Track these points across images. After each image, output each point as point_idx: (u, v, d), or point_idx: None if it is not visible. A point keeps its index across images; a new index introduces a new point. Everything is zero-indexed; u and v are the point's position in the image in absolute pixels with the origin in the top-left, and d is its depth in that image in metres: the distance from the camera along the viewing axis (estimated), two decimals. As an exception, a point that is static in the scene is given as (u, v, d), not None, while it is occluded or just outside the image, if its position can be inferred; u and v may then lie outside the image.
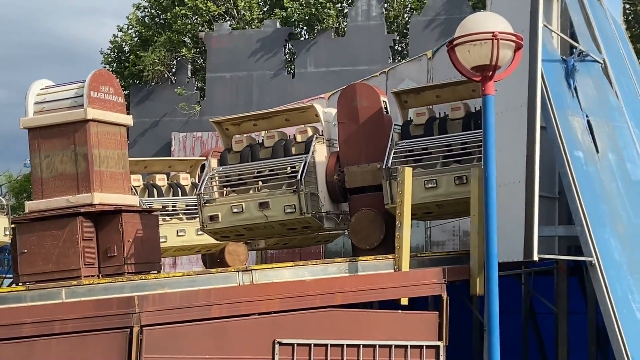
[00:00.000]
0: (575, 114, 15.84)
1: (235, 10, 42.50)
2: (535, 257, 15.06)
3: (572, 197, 15.30)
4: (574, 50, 16.31)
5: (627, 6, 31.87)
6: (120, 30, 47.34)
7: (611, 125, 16.13)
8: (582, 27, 16.39)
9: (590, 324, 16.25)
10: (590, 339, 16.40)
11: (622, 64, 17.10)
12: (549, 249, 15.49)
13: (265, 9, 43.17)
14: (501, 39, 10.23)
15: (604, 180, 15.67)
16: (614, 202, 15.59)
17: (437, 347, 14.12)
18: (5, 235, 17.29)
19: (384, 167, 16.57)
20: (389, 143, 16.84)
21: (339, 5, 41.28)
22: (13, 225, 17.34)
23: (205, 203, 18.14)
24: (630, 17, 34.48)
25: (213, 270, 17.81)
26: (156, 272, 17.09)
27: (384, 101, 17.71)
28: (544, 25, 15.86)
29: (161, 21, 44.76)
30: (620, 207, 15.62)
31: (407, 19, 40.38)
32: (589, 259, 14.97)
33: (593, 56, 16.35)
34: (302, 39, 39.96)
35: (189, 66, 42.10)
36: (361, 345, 13.68)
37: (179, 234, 21.36)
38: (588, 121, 15.92)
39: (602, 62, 16.36)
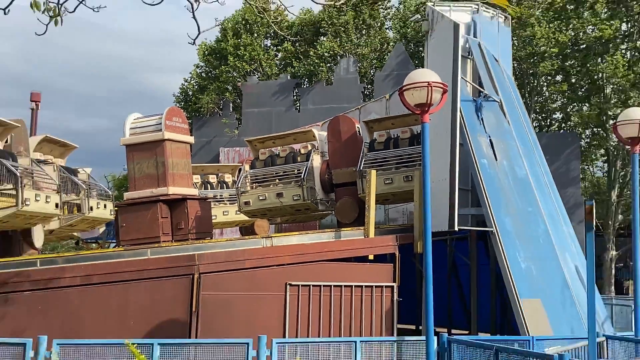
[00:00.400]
0: (481, 135, 15.86)
1: (261, 68, 42.56)
2: (456, 228, 15.08)
3: (480, 189, 15.33)
4: (481, 93, 16.33)
5: (515, 64, 31.68)
6: (186, 81, 47.55)
7: (505, 142, 16.16)
8: (486, 78, 16.40)
9: (491, 272, 16.27)
10: (492, 282, 16.43)
11: (512, 102, 17.11)
12: (464, 223, 15.50)
13: (280, 67, 43.14)
14: (433, 86, 10.26)
15: (500, 178, 15.69)
16: (507, 192, 15.61)
17: (392, 287, 14.20)
18: (111, 214, 17.29)
19: (357, 169, 16.66)
20: (361, 154, 16.94)
21: (328, 64, 41.26)
22: (116, 208, 17.40)
23: (241, 193, 18.20)
24: (516, 72, 34.30)
25: (246, 237, 17.90)
26: (209, 238, 17.18)
27: (357, 127, 17.82)
28: (462, 77, 15.91)
29: (212, 75, 44.70)
30: (510, 196, 15.64)
31: (372, 74, 40.36)
32: (491, 229, 15.01)
33: (493, 97, 16.35)
34: (304, 86, 39.90)
35: (231, 104, 42.13)
36: (343, 285, 13.75)
37: (224, 213, 21.50)
38: (490, 140, 15.93)
39: (499, 101, 16.36)
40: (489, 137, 15.98)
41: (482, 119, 16.11)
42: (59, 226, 16.16)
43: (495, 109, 16.40)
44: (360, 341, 10.85)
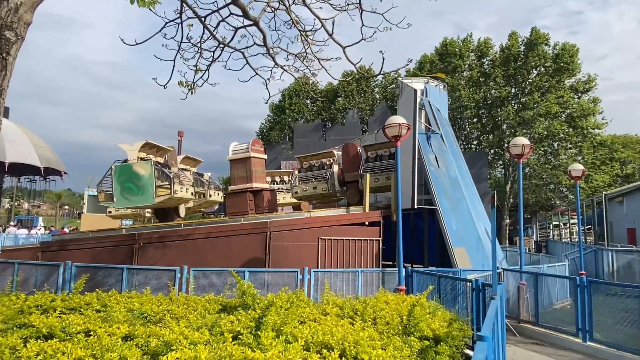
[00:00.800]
0: (430, 153, 15.80)
1: (304, 116, 42.80)
2: (416, 206, 15.07)
3: (429, 183, 15.29)
4: (430, 129, 16.27)
5: (450, 113, 31.57)
6: (262, 124, 48.00)
7: (443, 157, 16.08)
8: (432, 121, 16.32)
9: (436, 232, 16.17)
10: (436, 237, 16.35)
11: (448, 134, 16.98)
12: (420, 203, 15.47)
13: (314, 115, 43.30)
14: (402, 126, 10.30)
15: (440, 177, 15.63)
16: (444, 186, 15.55)
17: (379, 240, 14.15)
18: (221, 199, 17.55)
19: (359, 173, 16.69)
20: (361, 164, 16.96)
21: (342, 114, 41.30)
22: (224, 195, 17.63)
23: (293, 187, 18.32)
24: (450, 117, 34.19)
25: (296, 212, 18.01)
26: (275, 212, 17.29)
27: (359, 149, 17.82)
28: (418, 120, 15.87)
29: (276, 120, 45.01)
30: (447, 187, 15.57)
31: (367, 119, 40.33)
32: (435, 207, 14.97)
33: (437, 131, 16.28)
34: (328, 126, 40.01)
35: (287, 137, 42.41)
36: (351, 239, 13.78)
37: (283, 198, 21.57)
38: (435, 156, 15.87)
39: (440, 134, 16.29)
40: (435, 154, 15.94)
41: (430, 144, 16.06)
42: (193, 205, 16.51)
43: (438, 138, 16.33)
44: (361, 271, 10.96)
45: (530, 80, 35.31)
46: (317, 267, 12.83)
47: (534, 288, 10.65)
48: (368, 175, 15.58)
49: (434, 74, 19.30)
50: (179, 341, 4.11)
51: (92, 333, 4.65)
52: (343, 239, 13.66)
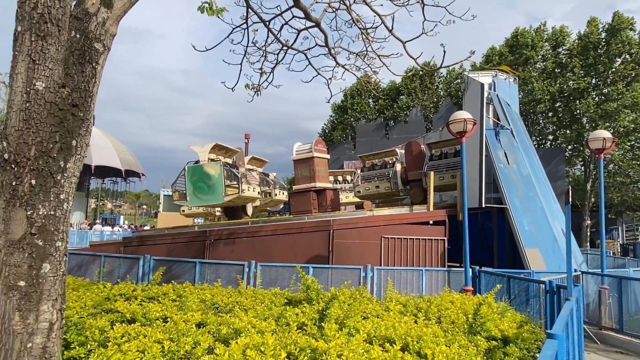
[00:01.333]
0: (499, 149, 15.11)
1: (366, 115, 42.59)
2: (483, 205, 14.48)
3: (498, 181, 14.62)
4: (499, 124, 15.55)
5: (522, 107, 29.89)
6: (324, 124, 48.37)
7: (514, 154, 15.31)
8: (501, 115, 15.59)
9: (506, 232, 15.43)
10: (506, 239, 15.60)
11: (519, 130, 16.12)
12: (488, 202, 14.85)
13: (377, 114, 42.90)
14: (468, 121, 9.98)
15: (510, 174, 14.88)
16: (515, 183, 14.79)
17: (444, 240, 13.78)
18: (286, 198, 17.97)
19: (423, 171, 16.35)
20: (424, 163, 16.59)
21: (405, 111, 40.59)
22: (289, 194, 17.99)
23: (355, 186, 18.34)
24: (523, 112, 32.36)
25: (358, 210, 17.99)
26: (338, 211, 17.38)
27: (422, 147, 17.44)
28: (486, 116, 15.23)
29: (339, 120, 45.20)
30: (518, 185, 14.81)
31: (431, 116, 39.27)
32: (505, 206, 14.28)
33: (506, 127, 15.52)
34: (391, 125, 39.44)
35: (349, 137, 42.45)
36: (414, 238, 13.55)
37: (346, 197, 21.61)
38: (505, 152, 15.15)
39: (510, 129, 15.51)
40: (504, 150, 15.21)
41: (499, 140, 15.35)
42: (259, 204, 17.06)
43: (508, 133, 15.55)
44: (425, 270, 10.74)
45: (613, 70, 32.45)
46: (380, 265, 12.76)
47: (618, 293, 9.82)
48: (432, 173, 15.21)
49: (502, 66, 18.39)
50: (248, 329, 4.33)
51: (169, 319, 5.04)
52: (406, 238, 13.44)
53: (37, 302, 3.19)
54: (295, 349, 3.50)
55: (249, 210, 16.48)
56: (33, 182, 3.21)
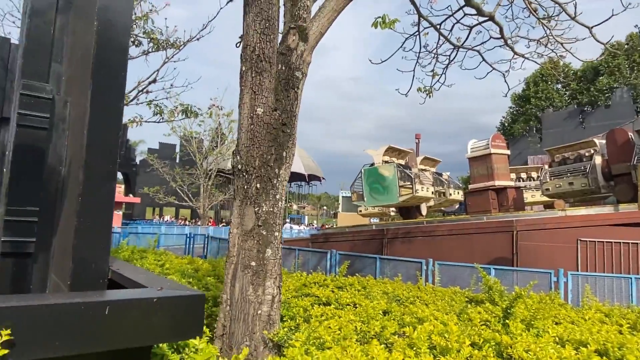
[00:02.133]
0: None
1: (553, 103, 37.93)
2: None
3: None
4: None
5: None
6: (503, 117, 44.91)
7: None
8: None
9: None
10: None
11: None
12: None
13: (567, 101, 37.74)
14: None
15: None
16: None
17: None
18: (461, 197, 17.51)
19: (632, 164, 13.92)
20: (634, 154, 14.08)
21: (606, 94, 34.55)
22: (464, 194, 17.53)
23: (543, 183, 16.60)
24: None
25: (548, 210, 16.31)
26: (522, 211, 16.11)
27: (630, 135, 14.82)
28: None
29: (519, 111, 41.37)
30: None
31: (644, 96, 32.71)
32: None
33: None
34: (587, 111, 34.19)
35: (534, 129, 38.47)
36: (621, 242, 11.60)
37: (532, 197, 19.74)
38: None
39: None
40: None
41: None
42: (433, 204, 17.06)
43: None
44: (635, 277, 9.22)
45: None
46: (577, 270, 11.44)
47: None
48: (644, 165, 12.84)
49: None
50: (430, 320, 4.63)
51: (357, 305, 5.69)
52: (610, 242, 11.74)
53: (263, 278, 4.13)
54: (479, 340, 3.64)
55: (423, 210, 16.61)
56: (258, 185, 4.17)
